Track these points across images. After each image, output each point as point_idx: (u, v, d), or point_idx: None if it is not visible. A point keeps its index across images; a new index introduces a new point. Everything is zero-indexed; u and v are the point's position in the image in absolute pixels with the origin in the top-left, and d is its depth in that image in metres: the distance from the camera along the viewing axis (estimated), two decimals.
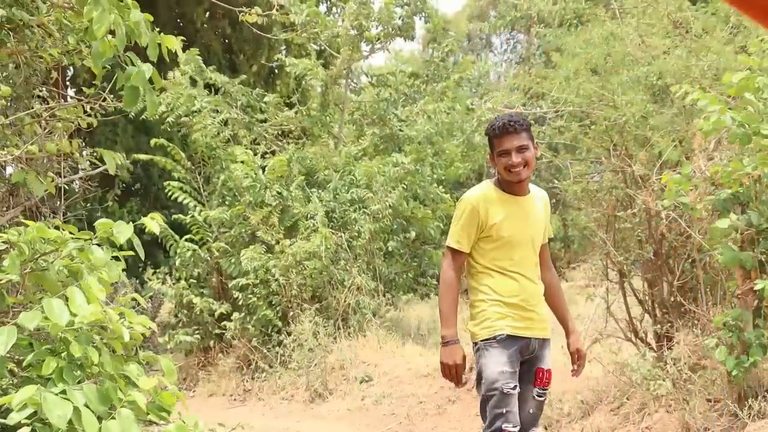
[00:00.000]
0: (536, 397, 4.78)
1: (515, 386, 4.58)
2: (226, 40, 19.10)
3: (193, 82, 13.95)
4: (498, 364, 4.58)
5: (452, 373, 4.71)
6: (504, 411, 4.52)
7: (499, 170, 4.69)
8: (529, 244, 4.76)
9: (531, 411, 4.76)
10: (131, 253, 3.76)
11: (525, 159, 4.61)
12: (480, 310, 4.72)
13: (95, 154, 5.56)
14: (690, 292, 7.59)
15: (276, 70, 19.06)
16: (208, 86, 14.32)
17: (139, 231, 3.81)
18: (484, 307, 4.70)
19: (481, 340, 4.66)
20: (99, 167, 6.07)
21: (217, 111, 13.79)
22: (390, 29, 14.77)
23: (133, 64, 3.78)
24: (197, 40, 17.56)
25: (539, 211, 4.86)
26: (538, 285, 4.84)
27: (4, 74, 5.64)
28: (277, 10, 5.68)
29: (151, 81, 3.86)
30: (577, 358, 5.01)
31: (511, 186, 4.71)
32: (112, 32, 3.63)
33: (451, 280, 4.70)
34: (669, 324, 7.62)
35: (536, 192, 4.93)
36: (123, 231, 3.62)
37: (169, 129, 13.80)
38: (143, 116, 12.43)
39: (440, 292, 4.75)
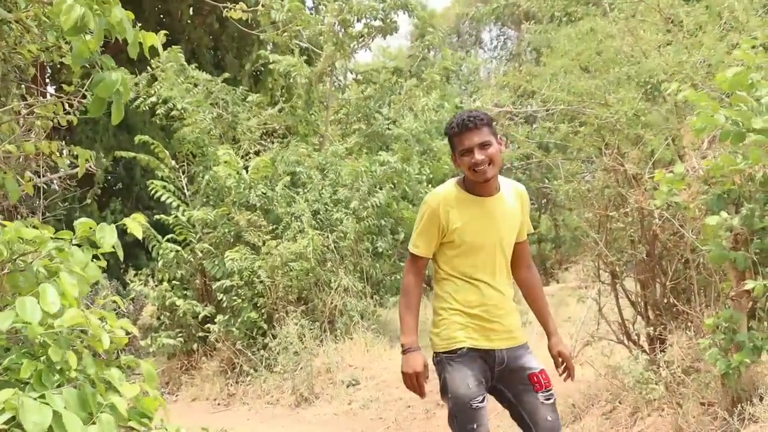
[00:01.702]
0: (545, 401, 4.46)
1: (483, 398, 4.39)
2: (213, 38, 18.96)
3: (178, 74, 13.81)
4: (463, 379, 4.40)
5: (413, 383, 4.53)
6: (474, 426, 4.32)
7: (463, 170, 4.44)
8: (495, 248, 4.53)
9: (548, 418, 4.44)
10: (111, 250, 3.64)
11: (489, 156, 4.35)
12: (441, 318, 4.54)
13: (74, 153, 5.43)
14: (683, 293, 7.51)
15: (263, 68, 18.94)
16: (193, 84, 14.18)
17: (121, 231, 3.69)
18: (444, 315, 4.53)
19: (443, 353, 4.49)
20: (78, 166, 5.93)
21: (199, 110, 13.65)
22: (372, 25, 14.67)
23: (108, 68, 3.68)
24: (182, 37, 17.41)
25: (511, 208, 4.59)
26: (505, 293, 4.58)
27: None
28: (262, 6, 5.56)
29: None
30: (561, 361, 4.77)
31: (477, 186, 4.47)
32: (89, 28, 3.52)
33: (409, 286, 4.56)
34: (662, 326, 7.53)
35: (509, 187, 4.64)
36: (107, 235, 3.49)
37: (158, 122, 13.66)
38: (130, 107, 12.30)
39: (400, 298, 4.59)
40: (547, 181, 9.19)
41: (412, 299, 4.53)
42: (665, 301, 7.64)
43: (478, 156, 4.32)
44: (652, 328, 7.65)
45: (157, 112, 13.38)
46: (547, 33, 9.71)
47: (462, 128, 4.38)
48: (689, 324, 7.25)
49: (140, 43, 3.85)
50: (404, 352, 4.50)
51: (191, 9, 18.34)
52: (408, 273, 4.56)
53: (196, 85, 14.09)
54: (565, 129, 8.63)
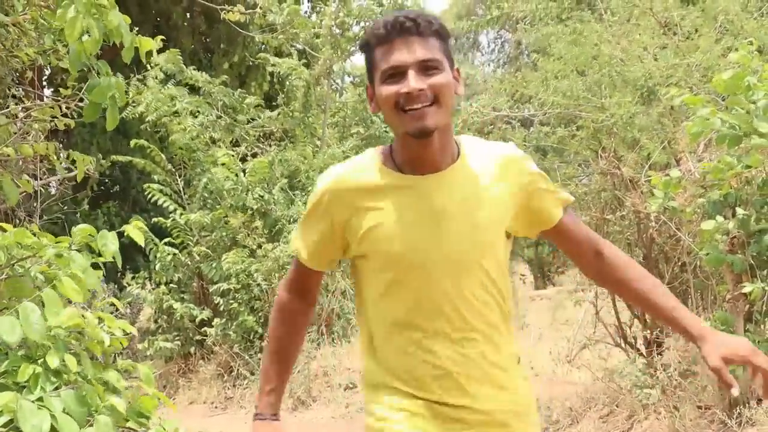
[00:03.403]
0: None
1: None
2: (204, 38, 18.95)
3: (166, 80, 13.77)
4: None
5: None
6: None
7: (385, 115, 2.54)
8: (458, 269, 2.55)
9: None
10: (110, 260, 3.64)
11: (434, 88, 2.45)
12: (368, 381, 2.72)
13: (71, 157, 5.44)
14: (680, 296, 7.51)
15: (251, 69, 18.89)
16: (188, 86, 14.16)
17: (118, 234, 3.69)
18: (372, 380, 2.70)
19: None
20: (75, 170, 5.94)
21: (199, 112, 13.64)
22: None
23: (104, 73, 3.70)
24: (174, 39, 17.40)
25: (485, 188, 2.59)
26: (491, 356, 2.60)
27: None
28: (260, 8, 5.57)
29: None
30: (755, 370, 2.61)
31: (410, 152, 2.55)
32: (89, 33, 3.53)
33: (278, 310, 2.85)
34: (659, 329, 7.53)
35: (483, 153, 2.65)
36: (109, 242, 3.50)
37: (148, 129, 13.65)
38: (122, 115, 12.28)
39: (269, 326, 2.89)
40: None
41: (278, 331, 2.84)
42: None
43: (415, 83, 2.43)
44: (649, 331, 7.66)
45: (145, 120, 13.37)
46: (542, 39, 9.71)
47: (391, 32, 2.48)
48: None
49: (136, 48, 3.86)
50: (254, 417, 2.82)
51: (186, 12, 18.33)
52: (281, 288, 2.87)
53: (190, 86, 14.07)
54: (561, 133, 8.64)
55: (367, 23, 14.59)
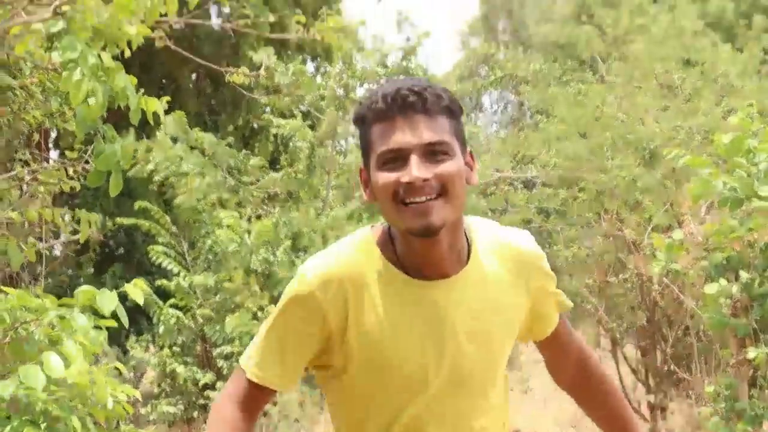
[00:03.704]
0: None
1: None
2: (210, 101, 19.11)
3: (173, 141, 13.86)
4: None
5: None
6: None
7: (382, 207, 2.08)
8: (460, 392, 2.17)
9: None
10: (113, 323, 3.64)
11: (441, 177, 2.01)
12: None
13: (76, 218, 5.46)
14: (684, 360, 7.49)
15: (256, 131, 19.03)
16: (193, 148, 14.24)
17: (122, 297, 3.69)
18: None
19: None
20: (80, 232, 5.96)
21: (203, 174, 13.69)
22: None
23: (109, 138, 3.74)
24: (180, 101, 17.55)
25: (499, 294, 2.19)
26: None
27: None
28: (265, 70, 5.62)
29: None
30: None
31: (413, 249, 2.09)
32: (94, 96, 3.56)
33: (220, 427, 2.17)
34: (663, 394, 7.49)
35: (493, 246, 2.22)
36: (107, 301, 3.50)
37: (155, 190, 13.70)
38: (128, 175, 12.33)
39: None
40: (547, 246, 9.21)
41: None
42: (666, 368, 7.61)
43: (418, 171, 1.98)
44: (653, 395, 7.62)
45: (153, 180, 13.43)
46: (542, 93, 9.79)
47: (391, 108, 2.03)
48: (690, 391, 7.22)
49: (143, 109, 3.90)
50: None
51: (191, 74, 18.50)
52: (226, 399, 2.19)
53: (193, 148, 14.16)
54: (564, 194, 8.67)
55: (371, 84, 14.72)
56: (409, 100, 2.02)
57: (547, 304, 2.34)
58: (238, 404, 2.17)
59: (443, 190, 2.01)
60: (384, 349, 2.10)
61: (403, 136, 2.01)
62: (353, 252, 2.14)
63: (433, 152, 2.01)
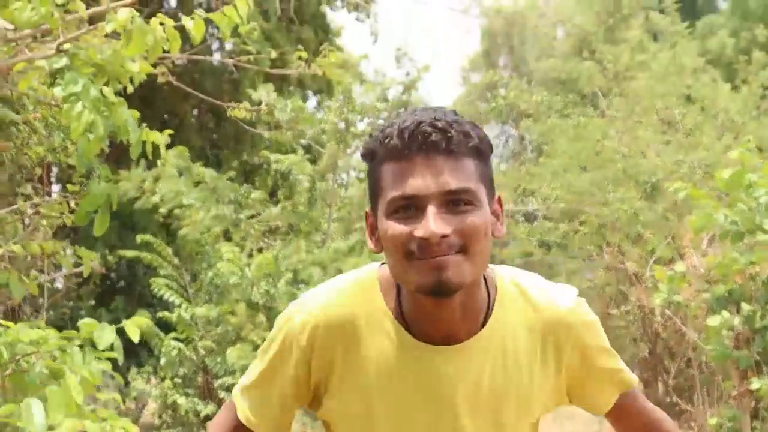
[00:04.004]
0: None
1: None
2: (212, 135, 19.20)
3: (179, 174, 13.92)
4: None
5: None
6: None
7: (390, 260, 1.76)
8: None
9: None
10: (114, 355, 3.64)
11: (463, 231, 1.66)
12: None
13: (77, 253, 5.49)
14: (686, 391, 7.48)
15: (256, 165, 19.14)
16: (197, 183, 14.29)
17: (123, 331, 3.70)
18: None
19: None
20: (82, 265, 5.98)
21: (207, 208, 13.74)
22: (375, 123, 14.84)
23: (103, 177, 3.76)
24: (182, 135, 17.62)
25: (520, 377, 1.82)
26: None
27: None
28: (266, 105, 5.67)
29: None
30: None
31: (420, 307, 1.77)
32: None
33: None
34: None
35: (522, 310, 1.84)
36: (104, 335, 3.51)
37: (159, 220, 13.74)
38: (132, 207, 12.39)
39: None
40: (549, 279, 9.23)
41: None
42: (668, 399, 7.60)
43: (436, 225, 1.64)
44: None
45: (159, 210, 13.48)
46: (543, 126, 9.83)
47: (410, 146, 1.69)
48: (692, 423, 7.20)
49: (144, 142, 3.92)
50: None
51: (194, 109, 18.61)
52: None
53: (198, 183, 14.21)
54: (565, 228, 8.69)
55: (371, 119, 14.78)
56: (432, 139, 1.67)
57: (592, 384, 1.91)
58: None
59: (464, 247, 1.67)
60: (368, 416, 1.83)
61: (421, 182, 1.67)
62: (352, 294, 1.84)
63: (455, 201, 1.68)
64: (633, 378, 1.96)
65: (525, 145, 20.01)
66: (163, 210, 13.42)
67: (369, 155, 1.80)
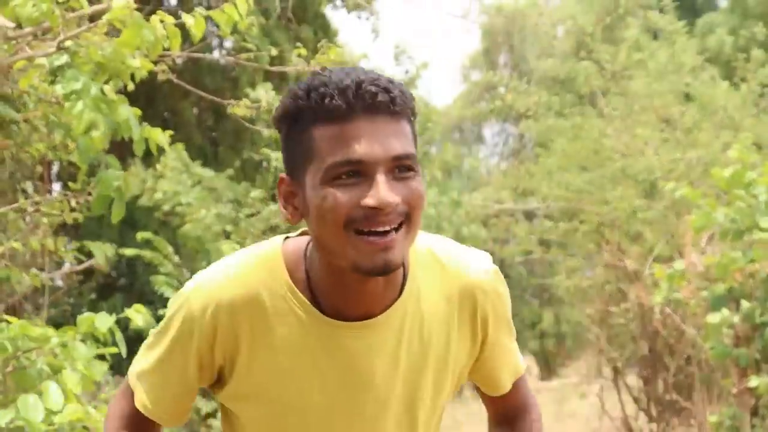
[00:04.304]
0: None
1: None
2: (212, 133, 19.20)
3: (179, 171, 13.91)
4: None
5: None
6: None
7: (320, 233, 1.57)
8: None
9: None
10: (115, 350, 3.65)
11: (410, 199, 1.54)
12: None
13: (83, 248, 5.50)
14: (686, 389, 7.49)
15: (256, 163, 19.12)
16: (199, 182, 14.28)
17: (125, 327, 3.71)
18: None
19: None
20: (83, 262, 5.98)
21: (208, 206, 13.73)
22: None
23: (112, 167, 3.76)
24: (182, 133, 17.61)
25: (437, 345, 1.72)
26: None
27: None
28: (266, 102, 5.66)
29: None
30: None
31: (342, 286, 1.63)
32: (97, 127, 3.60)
33: None
34: (665, 423, 7.49)
35: (437, 278, 1.72)
36: (103, 321, 3.52)
37: (161, 219, 13.74)
38: (134, 204, 12.39)
39: None
40: (549, 276, 9.26)
41: None
42: (667, 397, 7.62)
43: (387, 194, 1.51)
44: (655, 424, 7.62)
45: (160, 208, 13.48)
46: (542, 126, 9.83)
47: (354, 105, 1.53)
48: (692, 420, 7.22)
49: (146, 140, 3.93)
50: None
51: (193, 107, 18.61)
52: (114, 419, 1.82)
53: (199, 183, 14.21)
54: (565, 226, 8.70)
55: None
56: (379, 99, 1.53)
57: (500, 362, 1.84)
58: (124, 426, 1.81)
59: (409, 217, 1.55)
60: (280, 401, 1.70)
61: (367, 146, 1.52)
62: (254, 271, 1.68)
63: (400, 168, 1.54)
64: (522, 365, 1.90)
65: (525, 143, 20.03)
66: (165, 207, 13.42)
67: (292, 117, 1.59)
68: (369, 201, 1.50)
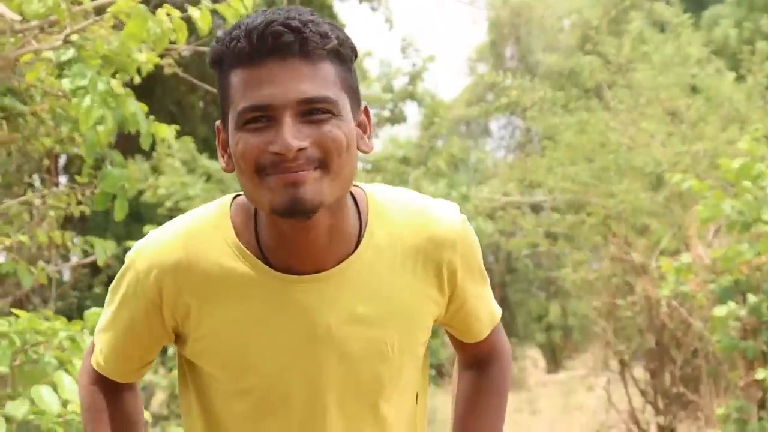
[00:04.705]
0: None
1: None
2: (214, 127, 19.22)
3: (183, 165, 13.92)
4: None
5: None
6: None
7: (241, 179, 1.55)
8: (339, 411, 1.67)
9: None
10: None
11: (321, 142, 1.49)
12: None
13: (87, 242, 5.51)
14: (693, 382, 7.49)
15: None
16: (209, 176, 14.28)
17: None
18: None
19: None
20: (90, 255, 6.00)
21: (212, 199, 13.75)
22: (381, 114, 14.81)
23: (117, 163, 3.77)
24: (189, 126, 17.61)
25: (398, 300, 1.66)
26: None
27: None
28: None
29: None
30: None
31: (279, 232, 1.59)
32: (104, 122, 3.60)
33: (89, 407, 1.79)
34: (672, 415, 7.49)
35: (397, 229, 1.66)
36: None
37: (165, 214, 13.75)
38: (139, 200, 12.42)
39: None
40: (555, 269, 9.27)
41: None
42: (674, 389, 7.61)
43: (291, 138, 1.47)
44: (662, 417, 7.62)
45: (164, 204, 13.49)
46: (548, 121, 9.81)
47: (259, 48, 1.49)
48: (699, 413, 7.22)
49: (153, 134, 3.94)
50: None
51: (200, 100, 18.62)
52: (85, 375, 1.82)
53: (209, 177, 14.21)
54: (571, 219, 8.70)
55: (377, 110, 14.76)
56: (284, 40, 1.48)
57: (474, 310, 1.79)
58: (99, 384, 1.79)
59: (323, 162, 1.50)
60: (236, 359, 1.65)
61: (274, 89, 1.49)
62: (202, 228, 1.65)
63: (313, 111, 1.50)
64: (497, 311, 1.85)
65: (531, 136, 20.01)
66: (168, 204, 13.42)
67: (217, 61, 1.57)
68: (273, 147, 1.47)
